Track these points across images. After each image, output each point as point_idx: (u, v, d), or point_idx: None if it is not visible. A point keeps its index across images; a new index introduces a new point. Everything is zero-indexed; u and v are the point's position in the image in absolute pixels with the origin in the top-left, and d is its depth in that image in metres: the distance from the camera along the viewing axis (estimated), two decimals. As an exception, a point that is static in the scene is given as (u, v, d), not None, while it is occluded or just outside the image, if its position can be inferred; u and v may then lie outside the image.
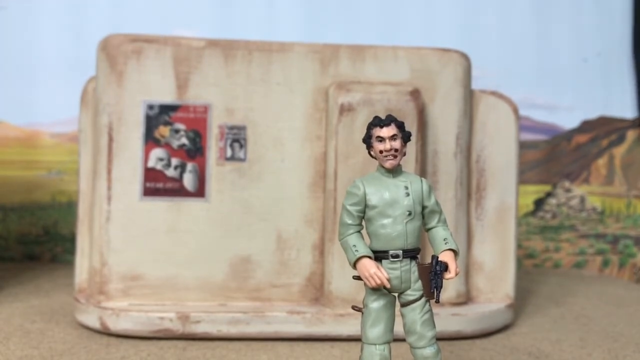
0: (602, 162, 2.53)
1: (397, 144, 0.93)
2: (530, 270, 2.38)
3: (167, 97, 1.37)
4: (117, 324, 1.31)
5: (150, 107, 1.36)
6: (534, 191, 2.49)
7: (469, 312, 1.40)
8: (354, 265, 0.92)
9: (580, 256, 2.47)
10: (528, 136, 2.45)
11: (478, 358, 1.26)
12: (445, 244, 0.94)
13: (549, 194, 2.50)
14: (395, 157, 0.93)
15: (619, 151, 2.53)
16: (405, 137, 0.94)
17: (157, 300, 1.36)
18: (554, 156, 2.50)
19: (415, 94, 1.38)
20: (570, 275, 2.28)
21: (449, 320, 1.36)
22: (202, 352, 1.25)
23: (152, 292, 1.36)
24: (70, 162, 2.23)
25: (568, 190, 2.51)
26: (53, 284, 1.83)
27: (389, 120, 0.94)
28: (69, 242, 2.22)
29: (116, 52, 1.36)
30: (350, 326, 1.32)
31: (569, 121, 2.50)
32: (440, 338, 0.98)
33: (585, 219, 2.50)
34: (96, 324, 1.33)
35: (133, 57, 1.36)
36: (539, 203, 2.49)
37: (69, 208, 2.24)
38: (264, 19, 2.31)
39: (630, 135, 2.53)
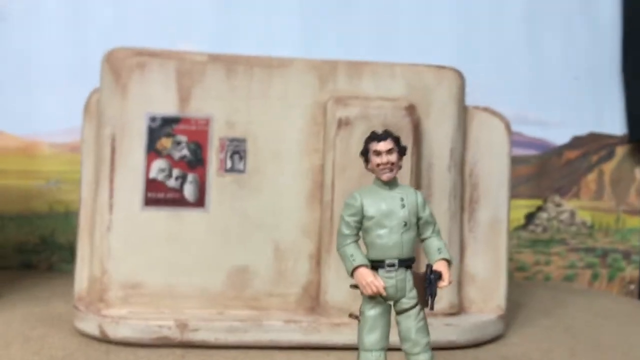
0: (591, 177, 2.57)
1: (393, 157, 0.96)
2: (521, 282, 2.41)
3: (170, 109, 1.40)
4: (117, 332, 1.33)
5: (153, 119, 1.39)
6: (525, 205, 2.53)
7: (461, 323, 1.43)
8: (352, 274, 0.95)
9: (570, 269, 2.51)
10: (519, 151, 2.49)
11: (470, 367, 1.29)
12: (439, 253, 0.97)
13: (539, 208, 2.54)
14: (391, 170, 0.97)
15: (609, 167, 2.58)
16: (401, 151, 0.98)
17: (156, 308, 1.38)
18: (545, 171, 2.55)
19: (411, 109, 1.42)
20: (560, 288, 2.31)
21: (441, 330, 1.39)
22: (200, 359, 1.28)
23: (151, 300, 1.39)
24: (69, 172, 2.25)
25: (558, 205, 2.55)
26: (51, 292, 1.84)
27: (386, 135, 0.97)
28: (66, 251, 2.24)
29: (120, 65, 1.39)
30: (346, 335, 1.35)
31: (559, 137, 2.55)
32: (432, 348, 1.00)
33: (575, 233, 2.54)
34: (95, 332, 1.35)
35: (137, 71, 1.39)
36: (530, 217, 2.54)
37: (67, 217, 2.26)
38: (262, 33, 2.35)
39: (620, 151, 2.58)
